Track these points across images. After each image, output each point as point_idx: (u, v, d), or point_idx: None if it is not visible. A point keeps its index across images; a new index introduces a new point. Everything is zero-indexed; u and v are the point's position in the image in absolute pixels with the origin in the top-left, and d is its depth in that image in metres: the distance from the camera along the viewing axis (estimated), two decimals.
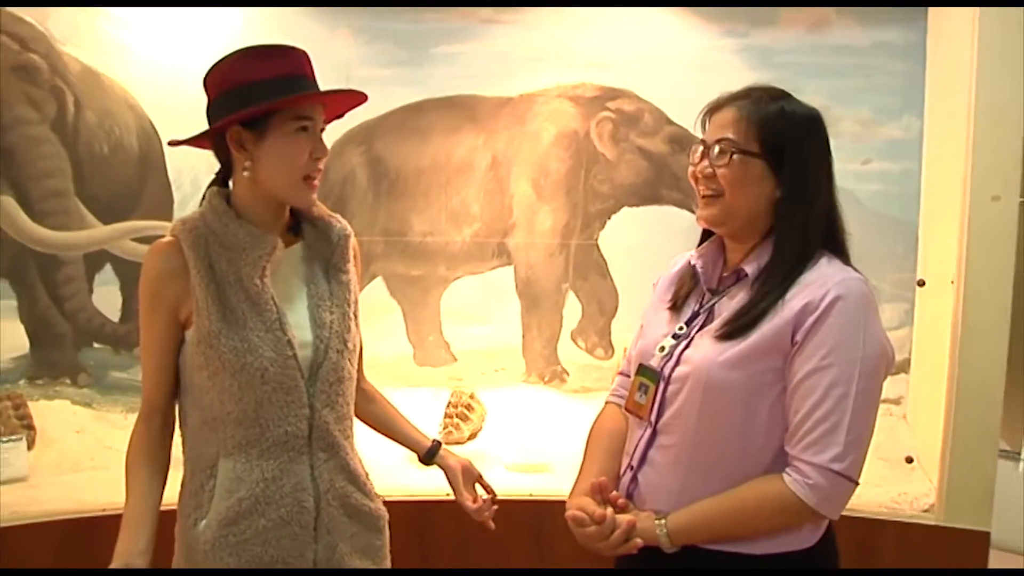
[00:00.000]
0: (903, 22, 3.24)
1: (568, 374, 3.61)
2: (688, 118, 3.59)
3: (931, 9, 3.09)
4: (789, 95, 1.56)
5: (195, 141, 1.65)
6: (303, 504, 1.61)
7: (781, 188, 1.51)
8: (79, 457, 2.93)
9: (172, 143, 1.69)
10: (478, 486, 1.92)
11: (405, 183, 3.50)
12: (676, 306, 1.65)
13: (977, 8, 2.53)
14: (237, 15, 3.25)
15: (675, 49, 3.43)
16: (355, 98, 1.70)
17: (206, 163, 3.33)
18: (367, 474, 1.77)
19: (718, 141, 1.52)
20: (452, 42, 3.45)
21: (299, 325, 1.63)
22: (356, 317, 1.73)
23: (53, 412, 3.07)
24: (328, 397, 1.64)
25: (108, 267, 3.23)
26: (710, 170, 1.52)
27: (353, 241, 1.76)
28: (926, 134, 3.18)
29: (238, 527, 1.58)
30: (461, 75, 3.45)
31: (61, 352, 3.16)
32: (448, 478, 1.91)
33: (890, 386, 3.21)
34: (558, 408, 3.44)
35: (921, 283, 3.04)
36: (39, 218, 3.05)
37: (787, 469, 1.45)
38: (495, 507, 1.90)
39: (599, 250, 3.57)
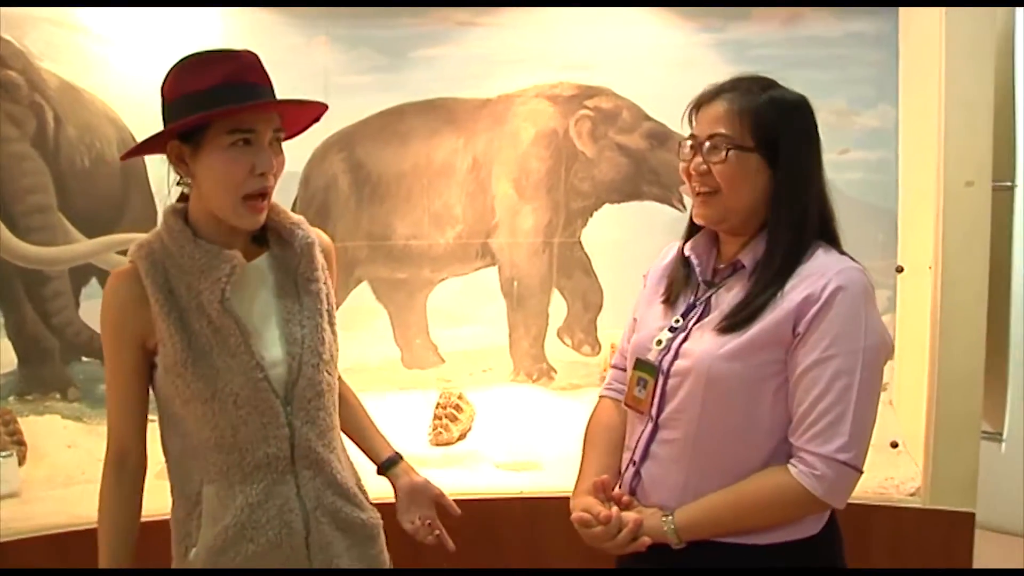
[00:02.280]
0: (875, 13, 3.27)
1: (556, 371, 3.62)
2: (666, 113, 3.63)
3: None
4: (776, 83, 1.55)
5: (147, 151, 1.58)
6: (291, 525, 1.57)
7: (776, 180, 1.50)
8: (71, 471, 2.93)
9: (123, 157, 1.64)
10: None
11: (387, 187, 3.51)
12: (670, 299, 1.64)
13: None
14: (215, 26, 3.25)
15: (651, 46, 3.45)
16: (311, 107, 1.61)
17: None
18: (359, 482, 1.73)
19: (711, 137, 1.50)
20: (429, 46, 3.46)
21: (270, 343, 1.57)
22: (332, 326, 1.66)
23: (43, 427, 3.07)
24: (307, 414, 1.59)
25: (94, 281, 3.22)
26: (704, 167, 1.51)
27: (326, 244, 1.70)
28: (901, 122, 3.21)
29: (227, 555, 1.54)
30: (439, 78, 3.46)
31: (50, 367, 3.16)
32: (396, 495, 1.82)
33: None
34: (547, 406, 3.46)
35: (900, 269, 3.07)
36: (23, 234, 3.05)
37: (792, 460, 1.46)
38: (435, 532, 1.81)
39: (582, 247, 3.59)
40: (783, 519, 1.49)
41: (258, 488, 1.56)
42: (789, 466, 1.46)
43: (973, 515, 2.63)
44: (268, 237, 1.63)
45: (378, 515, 1.74)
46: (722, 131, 1.49)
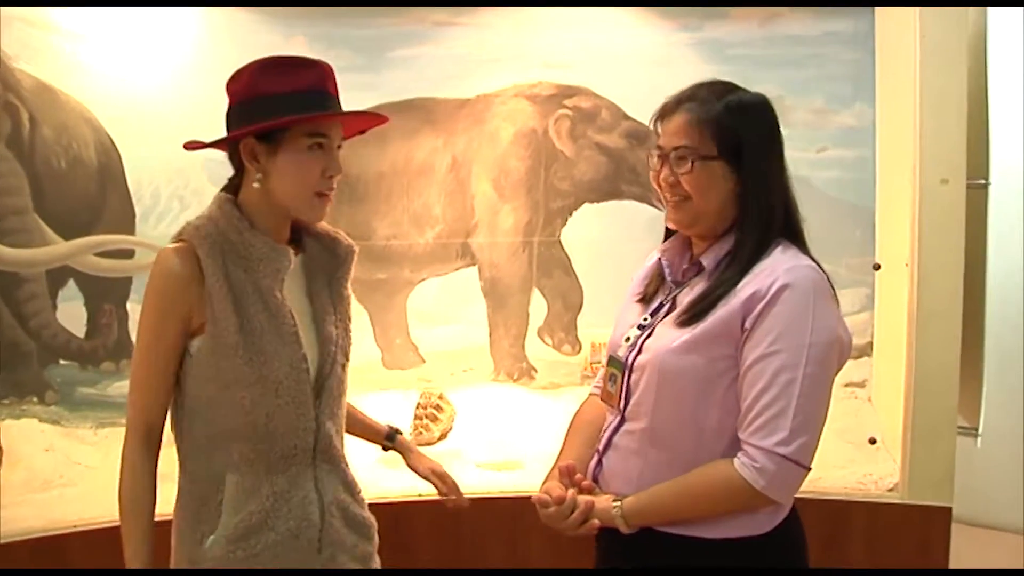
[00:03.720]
0: (852, 12, 3.30)
1: (536, 371, 3.63)
2: (645, 113, 3.61)
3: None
4: (734, 87, 1.58)
5: (213, 145, 1.63)
6: (310, 517, 1.61)
7: (742, 182, 1.54)
8: (48, 475, 2.91)
9: (187, 146, 1.66)
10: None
11: (366, 188, 3.51)
12: (645, 299, 1.69)
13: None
14: (193, 25, 3.24)
15: (630, 45, 3.46)
16: (374, 119, 1.71)
17: (166, 175, 3.34)
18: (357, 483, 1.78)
19: (675, 149, 1.54)
20: (408, 46, 3.45)
21: (306, 338, 1.63)
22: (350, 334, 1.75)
23: (20, 431, 3.03)
24: (331, 410, 1.66)
25: (71, 283, 3.19)
26: (673, 178, 1.55)
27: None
28: (878, 121, 3.25)
29: (248, 543, 1.56)
30: (418, 78, 3.47)
31: (27, 370, 3.12)
32: (408, 463, 1.98)
33: (854, 369, 3.28)
34: (527, 405, 3.47)
35: (877, 267, 3.10)
36: None
37: (738, 454, 1.49)
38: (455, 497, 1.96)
39: (562, 247, 3.60)
40: (726, 510, 1.52)
41: (283, 478, 1.60)
42: (734, 459, 1.49)
43: (950, 509, 2.66)
44: (304, 240, 1.70)
45: (372, 517, 1.78)
46: (685, 143, 1.53)
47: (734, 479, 1.47)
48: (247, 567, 1.56)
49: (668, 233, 1.69)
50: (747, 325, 1.47)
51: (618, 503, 1.55)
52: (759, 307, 1.46)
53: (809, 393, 1.45)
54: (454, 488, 1.96)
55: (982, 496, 3.46)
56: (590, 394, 1.84)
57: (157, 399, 1.59)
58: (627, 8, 3.44)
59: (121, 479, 1.58)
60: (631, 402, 1.59)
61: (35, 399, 3.13)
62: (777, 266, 1.49)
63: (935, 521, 2.67)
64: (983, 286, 3.56)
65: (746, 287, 1.49)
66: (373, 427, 1.97)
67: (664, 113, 1.59)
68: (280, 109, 1.53)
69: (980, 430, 3.62)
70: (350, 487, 1.72)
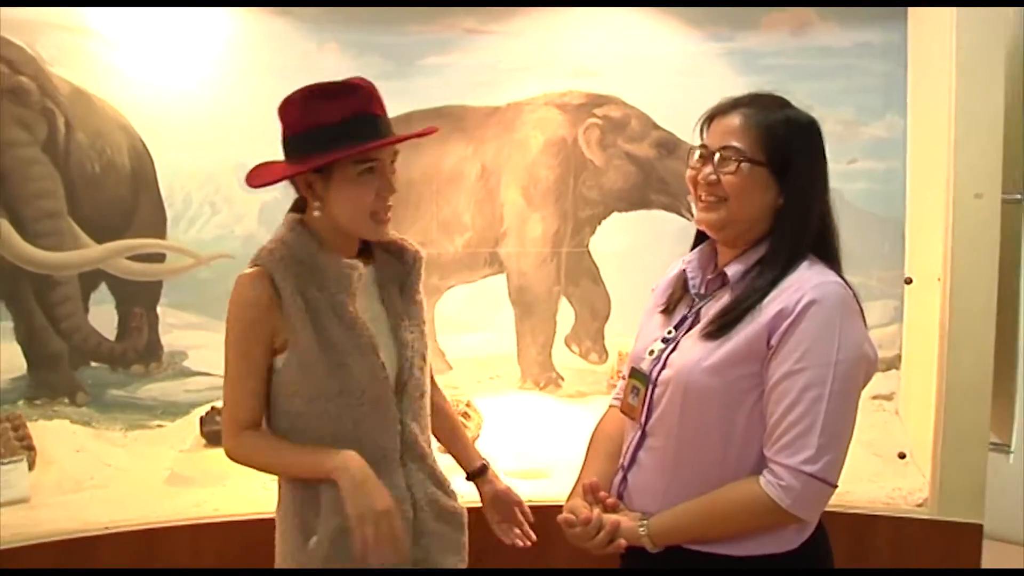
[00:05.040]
0: (884, 23, 3.28)
1: (563, 379, 3.63)
2: (675, 122, 3.63)
3: (911, 9, 3.13)
4: (790, 103, 1.58)
5: (277, 181, 1.69)
6: (404, 514, 1.69)
7: (784, 196, 1.53)
8: (80, 476, 2.94)
9: (252, 184, 1.71)
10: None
11: (396, 195, 3.52)
12: (668, 310, 1.68)
13: (955, 8, 2.57)
14: (225, 32, 3.27)
15: (660, 54, 3.46)
16: (417, 134, 1.77)
17: (197, 181, 3.38)
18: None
19: (723, 148, 1.53)
20: (439, 53, 3.47)
21: (384, 345, 1.71)
22: (425, 336, 1.83)
23: (52, 432, 3.07)
24: (414, 411, 1.75)
25: (103, 286, 3.24)
26: (714, 176, 1.53)
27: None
28: (909, 133, 3.22)
29: (347, 541, 1.62)
30: (449, 86, 3.48)
31: (59, 372, 3.16)
32: (481, 500, 1.99)
33: (882, 382, 3.26)
34: (554, 413, 3.46)
35: (908, 281, 3.07)
36: (32, 239, 3.05)
37: (764, 471, 1.48)
38: (519, 533, 2.00)
39: (590, 256, 3.60)
40: (752, 528, 1.51)
41: None
42: (760, 477, 1.48)
43: (981, 526, 2.62)
44: (373, 251, 1.78)
45: (463, 507, 1.88)
46: (735, 144, 1.52)
47: (760, 497, 1.46)
48: (351, 566, 1.63)
49: (697, 240, 1.69)
50: (773, 342, 1.46)
51: (644, 523, 1.55)
52: (785, 324, 1.45)
53: (836, 411, 1.44)
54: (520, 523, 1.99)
55: (1013, 513, 3.41)
56: (610, 406, 1.83)
57: (251, 408, 1.68)
58: (658, 17, 3.43)
59: (251, 461, 1.70)
60: (653, 416, 1.59)
61: (66, 400, 3.17)
62: (804, 282, 1.48)
63: (965, 538, 2.63)
64: (1017, 301, 3.51)
65: (772, 303, 1.48)
66: (467, 454, 2.03)
67: (716, 113, 1.58)
68: (330, 140, 1.59)
69: (1012, 446, 3.58)
70: (440, 482, 1.81)
